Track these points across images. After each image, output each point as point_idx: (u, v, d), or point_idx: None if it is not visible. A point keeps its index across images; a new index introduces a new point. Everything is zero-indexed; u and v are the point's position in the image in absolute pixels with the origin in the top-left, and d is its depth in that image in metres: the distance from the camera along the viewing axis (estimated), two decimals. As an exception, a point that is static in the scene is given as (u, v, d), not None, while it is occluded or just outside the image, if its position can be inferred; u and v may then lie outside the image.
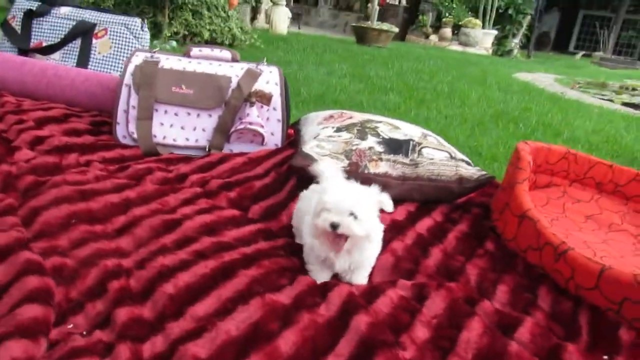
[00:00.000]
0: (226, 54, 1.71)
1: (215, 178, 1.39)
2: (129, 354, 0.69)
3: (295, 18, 11.44)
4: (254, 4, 6.49)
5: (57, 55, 2.00)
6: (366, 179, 1.37)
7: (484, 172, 1.45)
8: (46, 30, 2.02)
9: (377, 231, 0.98)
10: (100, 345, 0.71)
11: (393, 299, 0.93)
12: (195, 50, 1.70)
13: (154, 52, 1.68)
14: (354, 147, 1.41)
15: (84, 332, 0.75)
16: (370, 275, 1.03)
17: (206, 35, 4.49)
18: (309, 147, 1.42)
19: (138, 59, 1.64)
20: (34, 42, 2.02)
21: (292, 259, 1.04)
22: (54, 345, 0.70)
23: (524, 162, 1.34)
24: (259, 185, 1.37)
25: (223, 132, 1.61)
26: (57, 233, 1.00)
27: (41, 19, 2.02)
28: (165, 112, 1.61)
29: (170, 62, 1.65)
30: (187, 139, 1.62)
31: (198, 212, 1.17)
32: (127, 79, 1.60)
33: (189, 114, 1.61)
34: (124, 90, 1.60)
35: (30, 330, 0.67)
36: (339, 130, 1.50)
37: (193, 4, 4.43)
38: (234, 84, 1.62)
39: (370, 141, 1.44)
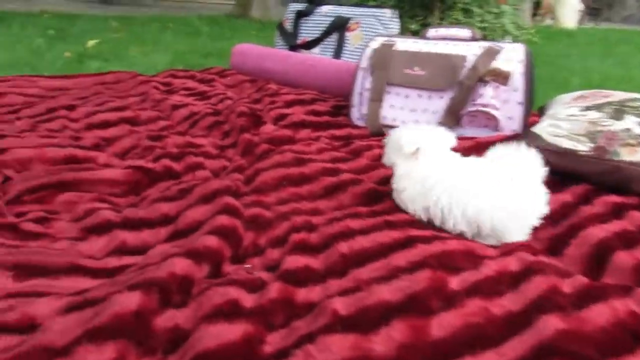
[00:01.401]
0: (465, 32, 1.61)
1: (433, 158, 1.31)
2: (277, 294, 0.69)
3: (593, 14, 10.15)
4: (535, -2, 6.01)
5: (317, 50, 2.21)
6: (615, 168, 1.11)
7: None
8: (310, 28, 2.25)
9: None
10: (258, 282, 0.73)
11: (618, 311, 0.71)
12: (431, 31, 1.65)
13: (393, 36, 1.69)
14: (602, 129, 1.15)
15: (255, 272, 0.80)
16: (600, 275, 0.82)
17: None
18: (540, 126, 1.21)
19: (376, 43, 1.68)
20: (300, 39, 2.28)
21: (496, 249, 0.89)
22: (224, 276, 0.76)
23: None
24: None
25: (454, 114, 1.52)
26: (268, 191, 1.10)
27: (307, 18, 2.27)
28: (397, 94, 1.60)
29: (406, 44, 1.64)
30: (417, 122, 1.58)
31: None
32: (364, 62, 1.66)
33: (419, 95, 1.57)
34: (360, 74, 1.67)
35: (198, 254, 0.74)
36: (587, 109, 1.24)
37: (464, 3, 4.34)
38: (469, 63, 1.51)
39: (628, 122, 1.14)
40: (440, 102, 1.54)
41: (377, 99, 1.61)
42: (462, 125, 1.52)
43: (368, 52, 1.66)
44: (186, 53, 2.81)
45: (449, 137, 1.00)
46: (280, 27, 2.36)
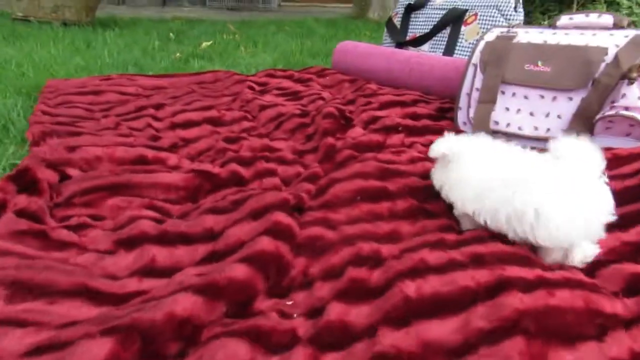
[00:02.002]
0: (606, 19, 1.29)
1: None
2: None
3: None
4: None
5: (426, 47, 1.99)
6: None
7: None
8: (420, 23, 2.03)
9: None
10: (287, 336, 0.56)
11: None
12: (564, 19, 1.36)
13: (513, 27, 1.43)
14: None
15: (295, 315, 0.63)
16: None
17: (624, 27, 3.77)
18: None
19: (492, 35, 1.43)
20: (409, 36, 2.07)
21: (629, 301, 0.64)
22: (251, 316, 0.60)
23: None
24: (614, 188, 0.95)
25: (585, 119, 1.22)
26: (338, 206, 0.93)
27: (418, 12, 2.05)
28: (514, 94, 1.34)
29: (529, 35, 1.37)
30: (536, 128, 1.30)
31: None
32: (475, 58, 1.41)
33: (542, 96, 1.30)
34: (470, 71, 1.43)
35: (216, 290, 0.59)
36: None
37: (612, -7, 3.78)
38: (610, 57, 1.21)
39: None
40: (568, 105, 1.26)
41: (488, 100, 1.36)
42: (596, 133, 1.22)
43: (481, 45, 1.42)
44: (294, 53, 2.74)
45: (488, 144, 0.87)
46: (389, 22, 2.17)
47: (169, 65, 2.20)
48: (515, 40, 1.37)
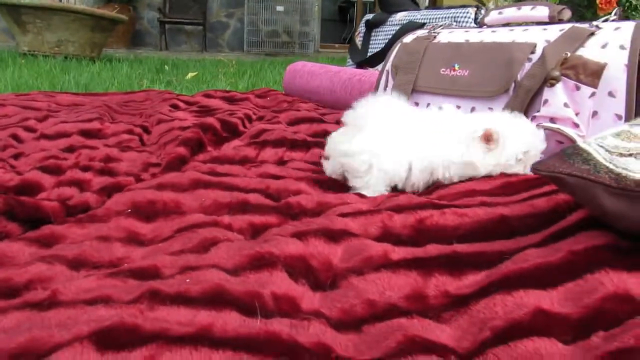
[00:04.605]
0: (540, 11, 1.01)
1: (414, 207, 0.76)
2: None
3: None
4: None
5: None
6: None
7: None
8: (380, 41, 1.81)
9: None
10: None
11: None
12: (492, 14, 1.09)
13: (438, 27, 1.18)
14: None
15: None
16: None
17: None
18: (592, 144, 0.59)
19: (410, 37, 1.18)
20: (370, 55, 1.84)
21: None
22: None
23: None
24: (477, 219, 0.65)
25: (505, 134, 0.93)
26: (95, 220, 0.69)
27: (378, 29, 1.83)
28: (428, 105, 1.07)
29: (452, 35, 1.11)
30: (452, 147, 1.02)
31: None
32: (389, 63, 1.17)
33: (459, 107, 1.02)
34: (383, 79, 1.18)
35: None
36: None
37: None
38: (537, 55, 0.93)
39: None
40: (487, 117, 0.97)
41: (397, 112, 1.10)
42: (520, 152, 0.92)
43: (396, 48, 1.17)
44: (268, 80, 2.59)
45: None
46: (351, 43, 1.96)
47: (117, 88, 2.07)
48: (435, 41, 1.11)
